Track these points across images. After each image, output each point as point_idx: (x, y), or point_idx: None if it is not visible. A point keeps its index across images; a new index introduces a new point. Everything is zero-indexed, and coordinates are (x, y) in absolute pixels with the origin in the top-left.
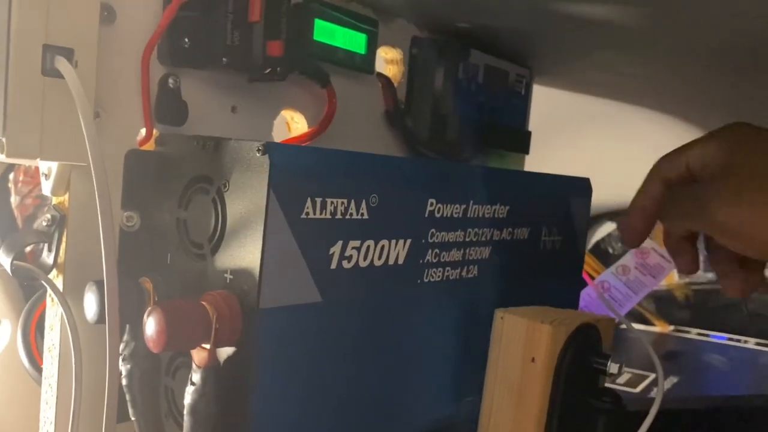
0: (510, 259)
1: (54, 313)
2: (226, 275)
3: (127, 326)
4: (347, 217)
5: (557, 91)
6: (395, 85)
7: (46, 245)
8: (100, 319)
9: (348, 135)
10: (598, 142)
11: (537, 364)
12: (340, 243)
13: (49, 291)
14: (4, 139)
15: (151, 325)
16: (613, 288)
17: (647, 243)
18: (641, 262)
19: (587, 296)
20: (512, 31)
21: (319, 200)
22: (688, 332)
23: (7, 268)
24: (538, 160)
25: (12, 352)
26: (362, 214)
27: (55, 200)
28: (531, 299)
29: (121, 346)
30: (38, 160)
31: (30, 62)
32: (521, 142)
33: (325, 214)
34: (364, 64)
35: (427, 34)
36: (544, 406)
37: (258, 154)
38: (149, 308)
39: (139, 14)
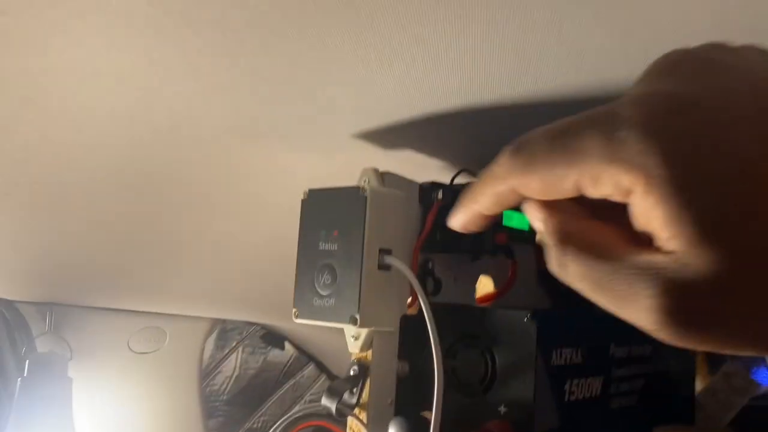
0: (655, 386)
1: None
2: (500, 408)
3: None
4: (571, 362)
5: None
6: None
7: (349, 389)
8: None
9: (515, 291)
10: None
11: None
12: (569, 381)
13: (357, 423)
14: (358, 315)
15: None
16: None
17: None
18: None
19: None
20: None
21: (559, 350)
22: None
23: (332, 410)
24: None
25: None
26: (579, 359)
27: (358, 355)
28: (666, 415)
29: None
30: (358, 327)
31: (373, 262)
32: None
33: (562, 361)
34: (529, 237)
35: None
36: None
37: (526, 320)
38: None
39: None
